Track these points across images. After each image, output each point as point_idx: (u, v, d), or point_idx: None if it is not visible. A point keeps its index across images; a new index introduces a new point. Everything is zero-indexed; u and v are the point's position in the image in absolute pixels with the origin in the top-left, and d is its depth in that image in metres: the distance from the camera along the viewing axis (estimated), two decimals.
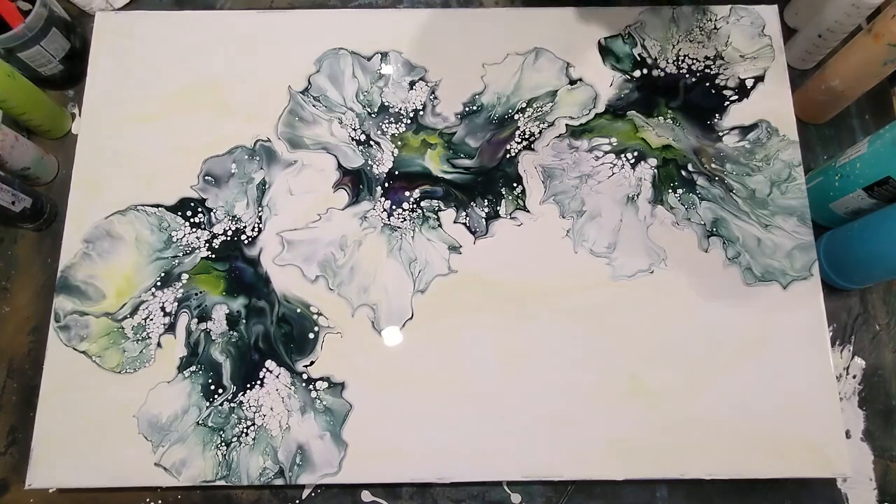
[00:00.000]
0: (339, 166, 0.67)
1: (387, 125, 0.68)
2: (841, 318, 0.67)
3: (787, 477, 0.60)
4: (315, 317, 0.62)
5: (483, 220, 0.65)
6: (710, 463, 0.59)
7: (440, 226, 0.65)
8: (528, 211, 0.66)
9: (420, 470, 0.59)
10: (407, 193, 0.66)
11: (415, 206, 0.66)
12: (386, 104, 0.69)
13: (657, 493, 0.62)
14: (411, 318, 0.62)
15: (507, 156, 0.67)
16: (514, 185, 0.66)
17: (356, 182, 0.66)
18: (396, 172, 0.67)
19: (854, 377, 0.65)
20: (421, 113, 0.69)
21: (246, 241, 0.65)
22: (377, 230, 0.65)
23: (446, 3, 0.77)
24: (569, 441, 0.59)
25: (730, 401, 0.60)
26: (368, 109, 0.69)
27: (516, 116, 0.68)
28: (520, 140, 0.68)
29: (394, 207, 0.66)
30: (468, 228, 0.65)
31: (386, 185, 0.66)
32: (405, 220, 0.65)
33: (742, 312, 0.63)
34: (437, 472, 0.59)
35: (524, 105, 0.69)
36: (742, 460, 0.59)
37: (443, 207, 0.66)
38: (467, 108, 0.69)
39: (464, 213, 0.65)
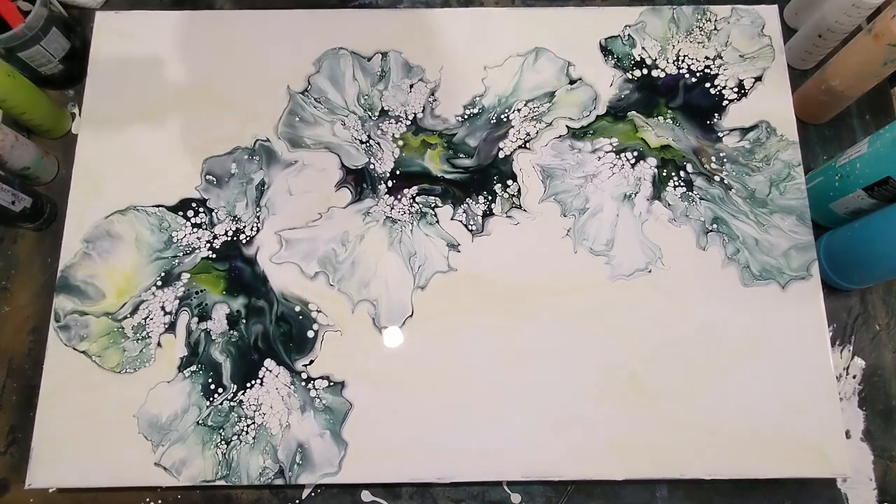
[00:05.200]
0: (342, 165, 0.67)
1: (387, 126, 0.68)
2: (841, 318, 0.67)
3: (787, 477, 0.60)
4: (315, 314, 0.62)
5: (479, 217, 0.65)
6: (710, 463, 0.59)
7: (437, 222, 0.65)
8: (524, 210, 0.66)
9: (420, 470, 0.59)
10: (406, 191, 0.66)
11: (412, 201, 0.66)
12: (386, 109, 0.69)
13: (657, 493, 0.62)
14: (411, 315, 0.62)
15: (500, 153, 0.67)
16: (509, 183, 0.66)
17: (359, 181, 0.67)
18: (398, 172, 0.67)
19: (854, 377, 0.65)
20: (420, 116, 0.69)
21: (244, 241, 0.65)
22: (379, 223, 0.65)
23: (446, 3, 0.77)
24: (569, 441, 0.59)
25: (730, 401, 0.60)
26: (370, 113, 0.69)
27: (512, 116, 0.69)
28: (514, 139, 0.68)
29: (395, 202, 0.66)
30: (465, 226, 0.65)
31: (389, 184, 0.66)
32: (404, 213, 0.65)
33: (742, 312, 0.63)
34: (437, 472, 0.59)
35: (521, 105, 0.69)
36: (742, 460, 0.59)
37: (439, 204, 0.66)
38: (467, 111, 0.69)
39: (461, 210, 0.65)
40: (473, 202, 0.66)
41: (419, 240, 0.65)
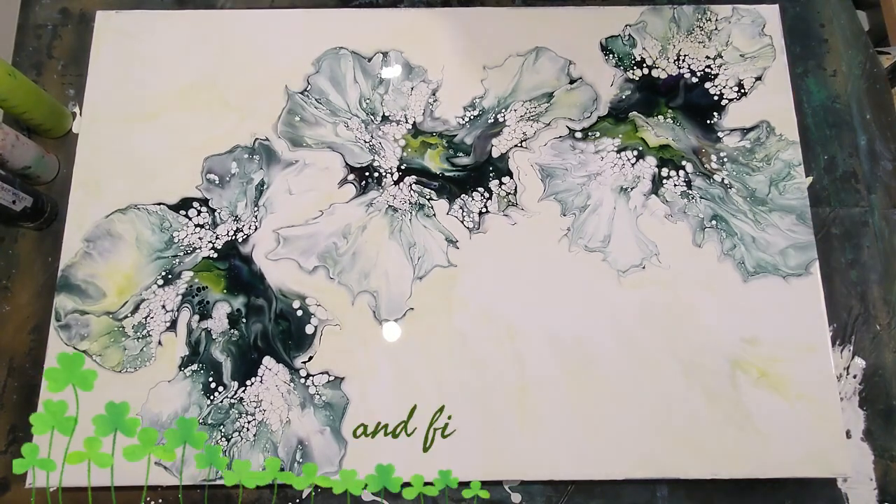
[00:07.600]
0: (346, 164, 0.67)
1: (388, 128, 0.68)
2: (841, 317, 0.67)
3: (787, 477, 0.60)
4: (313, 307, 0.62)
5: (476, 214, 0.65)
6: (710, 463, 0.59)
7: (434, 215, 0.65)
8: (521, 208, 0.66)
9: (421, 470, 0.59)
10: (406, 179, 0.66)
11: (409, 188, 0.66)
12: (387, 114, 0.69)
13: (657, 493, 0.62)
14: (412, 309, 0.62)
15: (494, 150, 0.67)
16: (505, 180, 0.66)
17: (363, 176, 0.67)
18: (402, 167, 0.67)
19: (854, 377, 0.65)
20: (420, 120, 0.69)
21: (240, 240, 0.65)
22: (381, 212, 0.65)
23: (446, 3, 0.77)
24: (569, 441, 0.59)
25: (729, 401, 0.60)
26: (372, 117, 0.69)
27: (508, 115, 0.69)
28: (510, 138, 0.68)
29: (397, 191, 0.66)
30: (462, 222, 0.65)
31: (395, 176, 0.67)
32: (404, 202, 0.66)
33: (742, 312, 0.62)
34: (437, 472, 0.59)
35: (518, 105, 0.69)
36: (742, 460, 0.59)
37: (434, 197, 0.66)
38: (468, 112, 0.69)
39: (457, 206, 0.65)
40: (469, 198, 0.66)
41: (418, 230, 0.65)
